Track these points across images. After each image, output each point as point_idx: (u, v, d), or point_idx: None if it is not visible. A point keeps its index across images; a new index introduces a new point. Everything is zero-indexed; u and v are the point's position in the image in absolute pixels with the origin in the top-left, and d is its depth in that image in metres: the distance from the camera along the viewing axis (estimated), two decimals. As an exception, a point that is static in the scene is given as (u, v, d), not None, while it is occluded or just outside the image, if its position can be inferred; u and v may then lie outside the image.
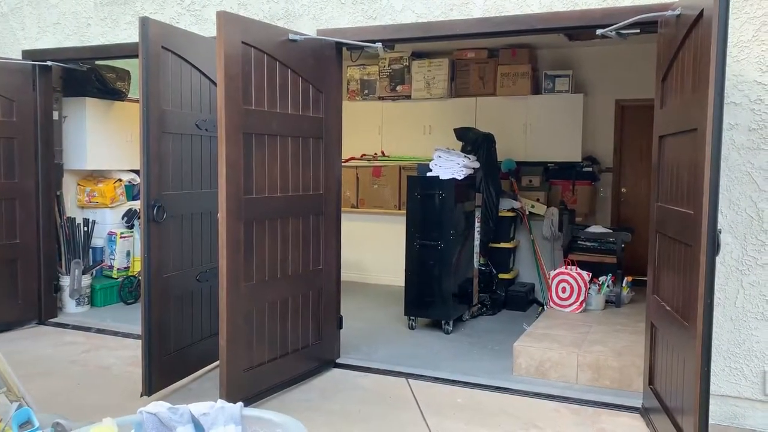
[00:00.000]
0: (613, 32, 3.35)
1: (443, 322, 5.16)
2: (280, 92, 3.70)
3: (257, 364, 3.63)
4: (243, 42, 3.40)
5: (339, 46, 4.12)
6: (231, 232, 3.39)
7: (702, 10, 2.63)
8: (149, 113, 3.56)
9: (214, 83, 4.10)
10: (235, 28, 3.37)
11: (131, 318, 5.24)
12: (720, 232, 2.60)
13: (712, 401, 3.40)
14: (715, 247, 2.55)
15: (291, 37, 3.73)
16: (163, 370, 3.75)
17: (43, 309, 5.30)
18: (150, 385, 3.65)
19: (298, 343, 3.95)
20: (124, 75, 6.16)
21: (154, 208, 3.60)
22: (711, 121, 2.49)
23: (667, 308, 3.08)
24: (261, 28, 3.60)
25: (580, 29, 3.91)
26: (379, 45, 3.98)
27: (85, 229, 5.70)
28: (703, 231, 2.53)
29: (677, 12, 3.01)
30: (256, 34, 3.50)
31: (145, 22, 3.53)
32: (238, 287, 3.45)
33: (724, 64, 2.47)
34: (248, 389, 3.55)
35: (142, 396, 3.60)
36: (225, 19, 3.31)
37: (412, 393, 3.85)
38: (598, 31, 3.39)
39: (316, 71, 3.95)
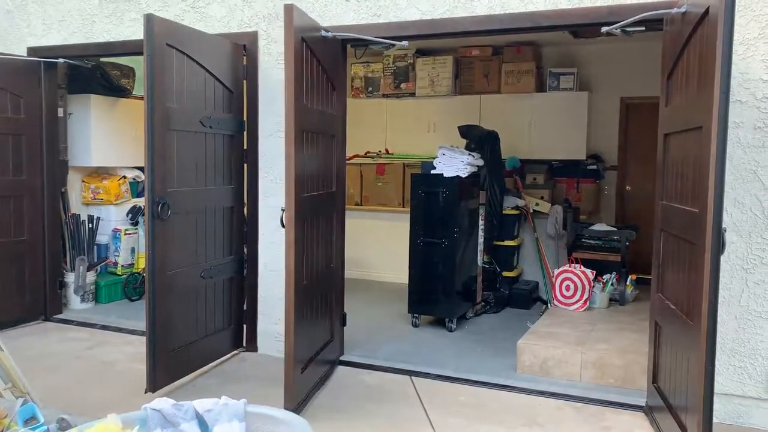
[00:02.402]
0: (619, 30, 3.34)
1: (447, 319, 5.16)
2: (315, 89, 3.70)
3: (304, 366, 3.62)
4: (303, 38, 3.38)
5: (344, 43, 4.12)
6: (297, 232, 3.38)
7: (708, 8, 2.62)
8: (154, 110, 3.56)
9: (219, 81, 4.12)
10: (300, 23, 3.34)
11: (135, 314, 5.25)
12: (725, 231, 2.59)
13: (716, 400, 3.40)
14: (720, 245, 2.54)
15: (323, 33, 3.73)
16: (167, 366, 3.75)
17: (48, 305, 5.32)
18: (154, 381, 3.65)
19: (321, 343, 3.95)
20: (129, 72, 6.17)
21: (159, 205, 3.60)
22: (716, 119, 2.48)
23: (672, 306, 3.07)
24: (309, 23, 3.57)
25: (585, 26, 3.90)
26: (405, 43, 3.95)
27: (90, 225, 5.72)
28: (708, 229, 2.53)
29: (683, 9, 3.00)
30: (307, 29, 3.48)
31: (149, 19, 3.52)
32: (299, 289, 3.43)
33: (729, 62, 2.46)
34: (300, 393, 3.53)
35: (146, 392, 3.61)
36: (294, 13, 3.25)
37: (416, 390, 3.85)
38: (604, 29, 3.38)
39: (333, 68, 3.96)
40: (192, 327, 3.98)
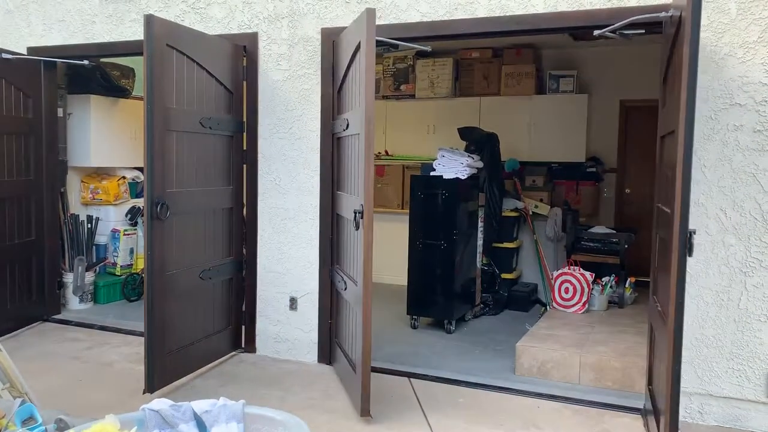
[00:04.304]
0: (616, 33, 3.36)
1: (446, 321, 5.16)
2: None
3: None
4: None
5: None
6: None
7: (681, 12, 2.67)
8: (153, 111, 3.56)
9: (219, 81, 4.12)
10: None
11: (134, 315, 5.25)
12: (694, 233, 2.63)
13: (715, 403, 3.41)
14: (687, 246, 2.58)
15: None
16: (166, 367, 3.75)
17: (47, 306, 5.31)
18: (152, 382, 3.65)
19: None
20: (129, 72, 6.17)
21: (158, 206, 3.60)
22: (683, 123, 2.54)
23: (659, 308, 3.10)
24: None
25: (585, 29, 3.90)
26: (428, 48, 3.98)
27: (89, 226, 5.71)
28: (675, 230, 2.58)
29: (670, 13, 3.03)
30: None
31: (149, 20, 3.52)
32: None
33: (695, 67, 2.51)
34: None
35: (144, 393, 3.61)
36: (374, 17, 3.26)
37: (414, 392, 3.85)
38: (596, 32, 3.41)
39: None
40: (191, 328, 3.98)
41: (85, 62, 5.15)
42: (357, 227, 3.38)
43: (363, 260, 3.34)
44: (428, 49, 3.97)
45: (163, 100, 3.64)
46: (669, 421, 2.63)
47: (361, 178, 3.36)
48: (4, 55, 4.84)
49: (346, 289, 3.82)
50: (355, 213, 3.38)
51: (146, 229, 3.61)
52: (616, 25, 3.32)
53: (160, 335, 3.68)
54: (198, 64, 3.92)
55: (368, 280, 3.34)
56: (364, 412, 3.39)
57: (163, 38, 3.61)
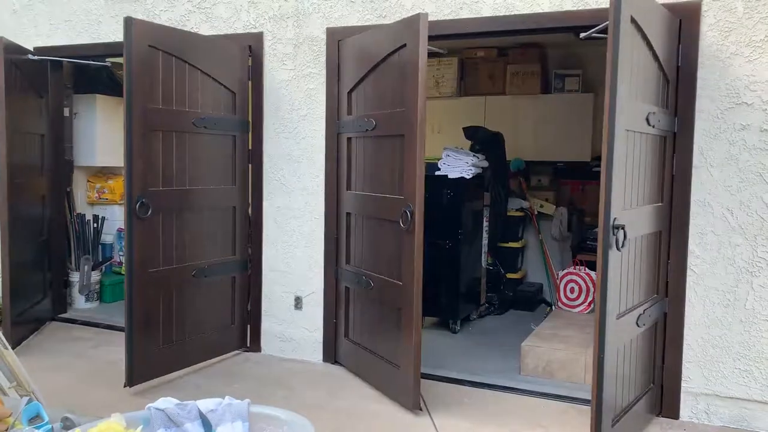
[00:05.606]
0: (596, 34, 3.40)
1: (451, 321, 5.15)
2: None
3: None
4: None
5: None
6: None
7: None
8: (132, 111, 3.57)
9: (218, 81, 4.12)
10: None
11: (140, 314, 5.26)
12: (622, 227, 2.80)
13: (721, 403, 3.40)
14: (610, 240, 2.73)
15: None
16: (149, 362, 3.78)
17: (54, 305, 5.32)
18: (131, 376, 3.69)
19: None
20: (135, 72, 6.18)
21: (137, 204, 3.61)
22: (607, 117, 2.83)
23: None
24: None
25: (591, 29, 3.90)
26: (443, 51, 4.03)
27: (95, 225, 5.73)
28: (600, 224, 2.79)
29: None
30: None
31: (129, 22, 3.55)
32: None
33: (616, 69, 2.84)
34: None
35: (125, 387, 3.67)
36: (426, 20, 3.35)
37: (419, 392, 3.84)
38: (582, 35, 3.43)
39: None
40: (181, 325, 4.00)
41: (108, 63, 5.17)
42: (408, 227, 3.44)
43: (414, 260, 3.41)
44: (443, 51, 3.99)
45: (145, 100, 3.64)
46: (594, 408, 2.74)
47: (409, 179, 3.45)
48: (30, 56, 4.88)
49: (372, 287, 3.84)
50: (404, 213, 3.44)
51: (126, 227, 3.63)
52: (601, 26, 3.35)
53: (140, 330, 3.71)
54: (190, 64, 3.92)
55: (419, 278, 3.43)
56: (415, 405, 3.51)
57: (144, 40, 3.62)
